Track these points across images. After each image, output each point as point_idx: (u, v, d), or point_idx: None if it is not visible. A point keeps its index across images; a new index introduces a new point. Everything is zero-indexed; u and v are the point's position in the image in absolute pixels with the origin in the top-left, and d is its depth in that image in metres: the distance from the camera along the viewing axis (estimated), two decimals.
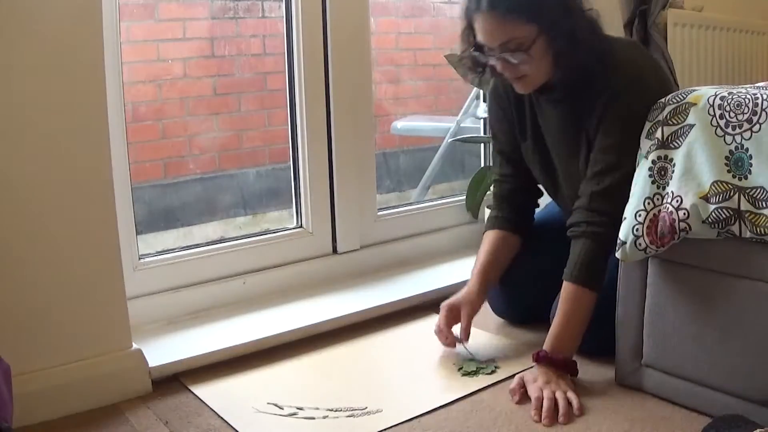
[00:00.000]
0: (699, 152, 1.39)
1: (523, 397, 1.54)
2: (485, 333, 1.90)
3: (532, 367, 1.60)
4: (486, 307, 1.96)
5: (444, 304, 1.78)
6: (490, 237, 1.87)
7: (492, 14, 1.56)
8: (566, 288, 1.62)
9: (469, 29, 1.64)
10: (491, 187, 1.98)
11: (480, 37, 1.60)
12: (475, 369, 1.66)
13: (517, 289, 1.90)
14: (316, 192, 2.12)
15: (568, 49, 1.57)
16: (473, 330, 1.78)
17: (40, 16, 1.43)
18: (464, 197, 2.46)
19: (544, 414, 1.47)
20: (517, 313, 1.95)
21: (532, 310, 1.89)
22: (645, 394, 1.55)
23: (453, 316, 1.76)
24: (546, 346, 1.59)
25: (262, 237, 2.07)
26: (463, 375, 1.65)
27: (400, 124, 2.88)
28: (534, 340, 1.83)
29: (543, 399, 1.50)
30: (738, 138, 1.35)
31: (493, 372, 1.66)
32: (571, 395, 1.51)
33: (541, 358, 1.58)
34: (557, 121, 1.72)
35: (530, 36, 1.55)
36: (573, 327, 1.60)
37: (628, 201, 1.50)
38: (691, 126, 1.41)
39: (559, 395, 1.50)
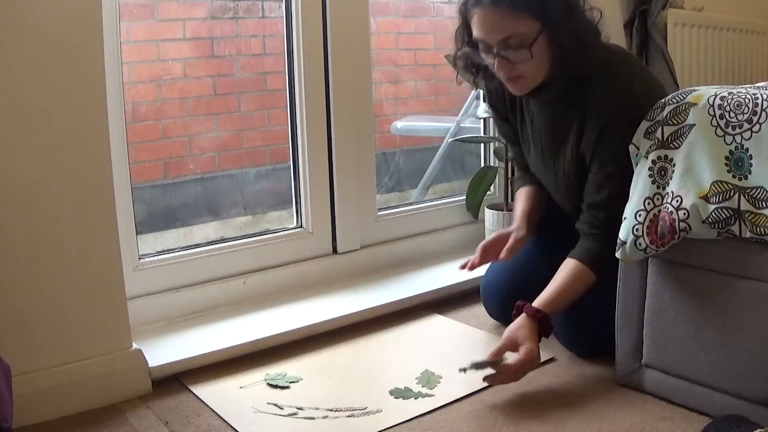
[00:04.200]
0: (699, 152, 1.39)
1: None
2: (484, 332, 1.90)
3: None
4: (483, 310, 1.97)
5: (494, 233, 1.83)
6: (524, 190, 1.90)
7: (495, 8, 1.51)
8: (569, 263, 1.63)
9: (464, 26, 1.60)
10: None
11: (478, 33, 1.56)
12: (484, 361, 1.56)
13: (512, 292, 1.90)
14: (316, 192, 2.12)
15: (569, 50, 1.53)
16: (472, 330, 1.78)
17: (40, 16, 1.43)
18: (464, 197, 2.46)
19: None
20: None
21: None
22: (645, 394, 1.55)
23: (499, 242, 1.80)
24: (540, 305, 1.59)
25: (262, 237, 2.07)
26: (470, 367, 1.55)
27: (400, 124, 2.88)
28: None
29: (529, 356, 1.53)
30: (738, 138, 1.35)
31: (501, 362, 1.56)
32: (526, 365, 1.53)
33: (532, 313, 1.58)
34: (544, 122, 1.71)
35: (533, 33, 1.52)
36: (566, 297, 1.62)
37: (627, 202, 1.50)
38: (692, 126, 1.41)
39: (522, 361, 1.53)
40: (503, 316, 1.95)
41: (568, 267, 1.63)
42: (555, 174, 1.75)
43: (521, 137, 1.83)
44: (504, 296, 1.89)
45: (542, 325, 1.58)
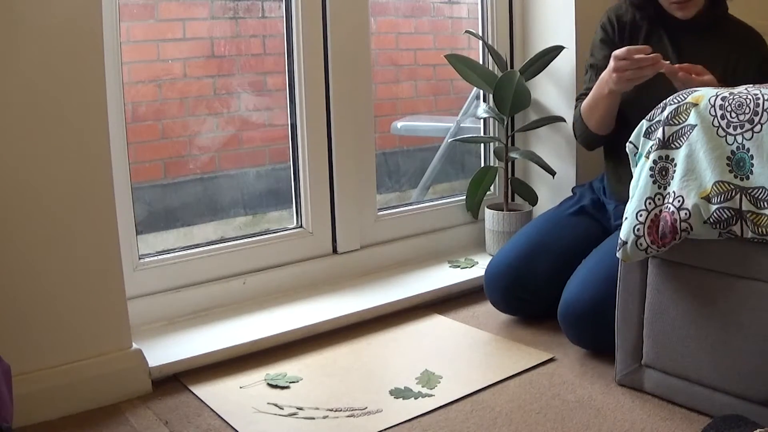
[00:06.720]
0: (700, 152, 1.39)
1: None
2: (484, 332, 1.90)
3: None
4: (486, 308, 1.97)
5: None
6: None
7: None
8: None
9: None
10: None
11: None
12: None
13: (514, 283, 1.91)
14: (316, 192, 2.12)
15: None
16: (472, 330, 1.77)
17: (40, 16, 1.43)
18: (464, 197, 2.46)
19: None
20: (510, 302, 1.95)
21: (527, 303, 1.92)
22: (645, 394, 1.56)
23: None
24: None
25: (262, 237, 2.07)
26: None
27: (400, 124, 2.87)
28: (531, 339, 1.83)
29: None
30: (739, 138, 1.35)
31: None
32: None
33: None
34: (691, 52, 1.83)
35: None
36: None
37: None
38: (693, 126, 1.41)
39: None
40: (505, 306, 1.96)
41: None
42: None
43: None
44: (506, 286, 1.90)
45: None
